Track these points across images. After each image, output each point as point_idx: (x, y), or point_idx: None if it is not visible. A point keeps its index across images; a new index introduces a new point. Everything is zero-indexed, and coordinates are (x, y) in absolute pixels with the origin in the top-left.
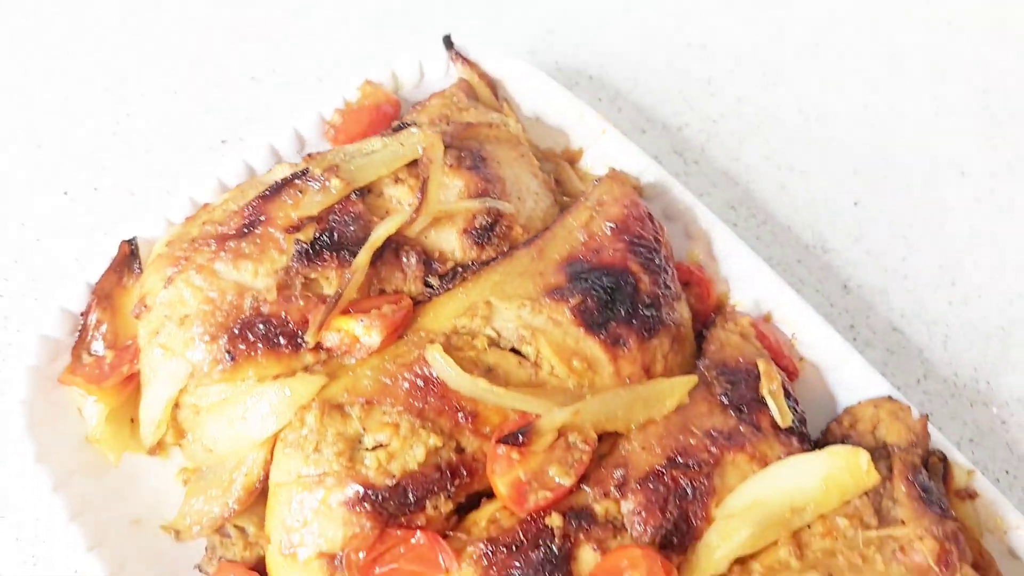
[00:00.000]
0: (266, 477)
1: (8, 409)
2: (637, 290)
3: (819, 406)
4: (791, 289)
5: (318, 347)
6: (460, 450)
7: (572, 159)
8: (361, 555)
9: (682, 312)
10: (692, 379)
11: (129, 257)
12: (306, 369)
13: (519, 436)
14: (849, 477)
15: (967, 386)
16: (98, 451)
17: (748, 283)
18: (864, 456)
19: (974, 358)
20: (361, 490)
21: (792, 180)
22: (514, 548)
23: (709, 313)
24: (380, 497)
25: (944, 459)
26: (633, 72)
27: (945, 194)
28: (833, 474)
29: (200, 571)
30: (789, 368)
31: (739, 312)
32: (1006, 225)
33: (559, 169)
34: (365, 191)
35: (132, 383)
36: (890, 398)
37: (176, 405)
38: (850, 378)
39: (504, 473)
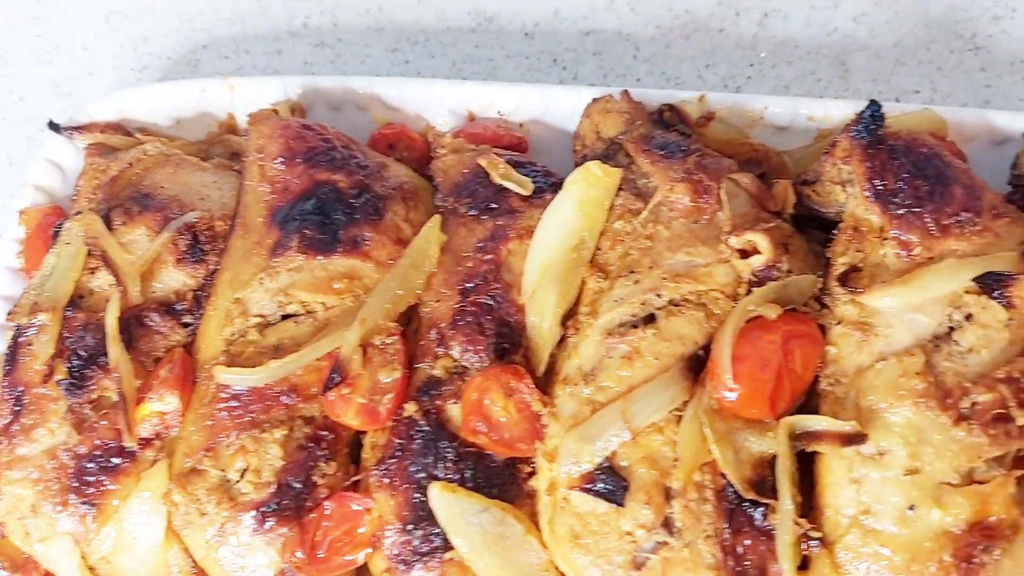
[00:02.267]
0: (196, 564)
1: None
2: (338, 191)
3: (561, 149)
4: (467, 81)
5: (146, 442)
6: (309, 420)
7: (231, 129)
8: (299, 554)
9: (396, 172)
10: (435, 219)
11: None
12: (153, 463)
13: (334, 376)
14: (595, 189)
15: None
16: None
17: (432, 104)
18: (592, 165)
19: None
20: (256, 512)
21: None
22: (398, 453)
23: (426, 150)
24: (274, 505)
25: (671, 107)
26: None
27: None
28: (582, 198)
29: None
30: (514, 143)
31: (439, 132)
32: None
33: (227, 143)
34: (75, 300)
35: None
36: (594, 100)
37: (91, 569)
38: (564, 108)
39: (346, 410)
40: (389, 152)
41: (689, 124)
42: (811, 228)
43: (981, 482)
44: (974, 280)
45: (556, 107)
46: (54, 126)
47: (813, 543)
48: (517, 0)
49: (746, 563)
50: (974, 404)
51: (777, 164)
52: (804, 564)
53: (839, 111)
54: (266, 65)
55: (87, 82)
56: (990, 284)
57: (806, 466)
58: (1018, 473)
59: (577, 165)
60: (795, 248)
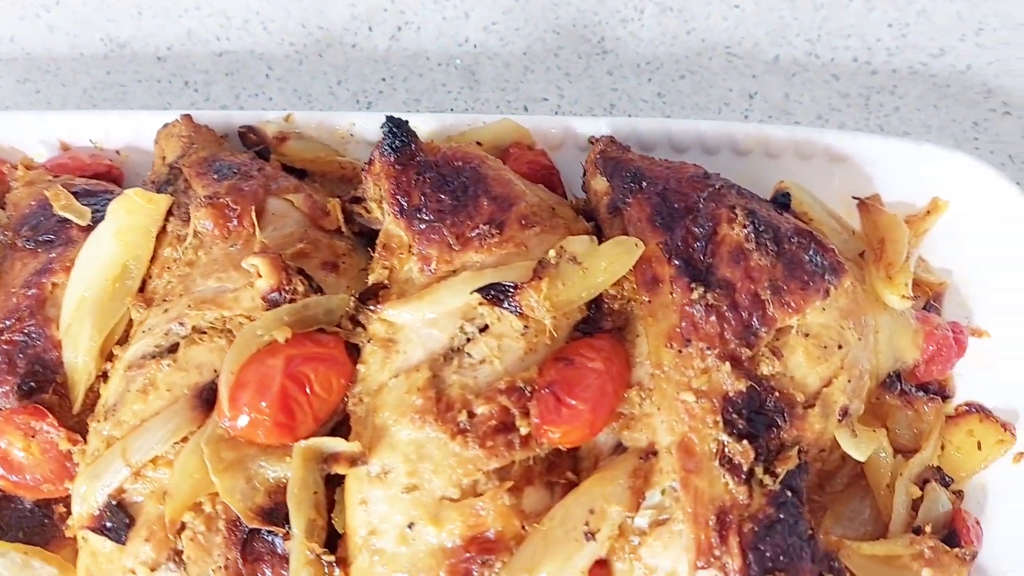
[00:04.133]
0: None
1: None
2: None
3: None
4: (51, 111)
5: None
6: None
7: None
8: None
9: None
10: None
11: None
12: None
13: None
14: (136, 216)
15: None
16: None
17: (24, 136)
18: (131, 192)
19: None
20: None
21: None
22: None
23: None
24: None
25: (251, 128)
26: None
27: None
28: (121, 226)
29: None
30: (103, 171)
31: (14, 165)
32: None
33: None
34: None
35: None
36: (164, 125)
37: None
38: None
39: None
40: None
41: (268, 145)
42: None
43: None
44: (476, 292)
45: (146, 132)
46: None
47: (333, 566)
48: (151, 23)
49: None
50: (471, 416)
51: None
52: None
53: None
54: None
55: None
56: (495, 295)
57: None
58: (508, 484)
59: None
60: (348, 266)
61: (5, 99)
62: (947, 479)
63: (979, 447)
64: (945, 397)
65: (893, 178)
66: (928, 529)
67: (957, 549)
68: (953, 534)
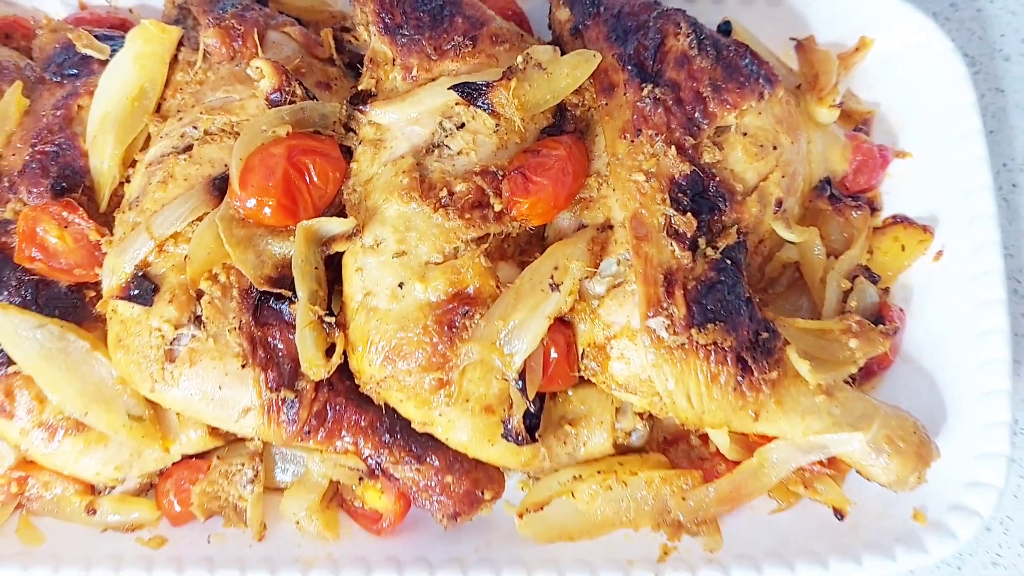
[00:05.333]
0: None
1: None
2: None
3: None
4: None
5: None
6: None
7: None
8: None
9: None
10: (16, 85)
11: None
12: None
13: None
14: (152, 45)
15: None
16: None
17: None
18: (147, 23)
19: None
20: None
21: None
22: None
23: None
24: None
25: None
26: None
27: None
28: (139, 53)
29: None
30: (117, 23)
31: (39, 18)
32: None
33: None
34: None
35: None
36: None
37: None
38: None
39: None
40: (6, 40)
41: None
42: None
43: None
44: (452, 89)
45: None
46: None
47: (334, 328)
48: None
49: (279, 352)
50: (451, 194)
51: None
52: (331, 349)
53: None
54: None
55: None
56: (470, 93)
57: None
58: (483, 247)
59: None
60: (339, 88)
61: None
62: (875, 277)
63: (903, 248)
64: (874, 209)
65: (825, 20)
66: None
67: (881, 325)
68: (879, 319)
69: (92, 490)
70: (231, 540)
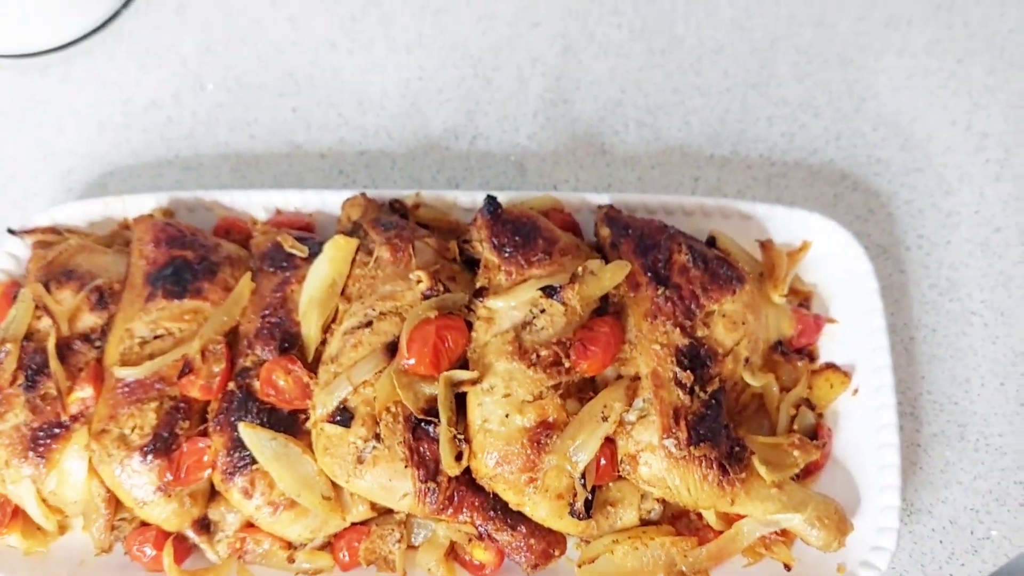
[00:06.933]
0: (108, 489)
1: None
2: (187, 261)
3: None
4: (271, 190)
5: (74, 417)
6: (172, 397)
7: (125, 227)
8: (169, 476)
9: (227, 248)
10: (247, 275)
11: None
12: (79, 429)
13: (185, 369)
14: (341, 251)
15: (416, 145)
16: None
17: (251, 205)
18: (338, 238)
19: None
20: (140, 452)
21: None
22: (224, 411)
23: (249, 233)
24: (151, 448)
25: (398, 200)
26: None
27: None
28: (332, 257)
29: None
30: (303, 225)
31: (254, 221)
32: None
33: (123, 236)
34: (28, 335)
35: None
36: (347, 199)
37: (44, 500)
38: (334, 203)
39: (192, 389)
40: (226, 236)
41: (407, 210)
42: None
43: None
44: (539, 290)
45: (329, 203)
46: (11, 231)
47: (462, 442)
48: (317, 132)
49: (427, 457)
50: (539, 356)
51: (464, 230)
52: (460, 455)
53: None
54: (151, 184)
55: (33, 201)
56: (549, 292)
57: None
58: (559, 391)
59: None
60: (460, 280)
61: (226, 183)
62: (813, 406)
63: (831, 386)
64: (812, 358)
65: (780, 229)
66: (798, 433)
67: (816, 440)
68: (815, 436)
69: (290, 546)
70: None
